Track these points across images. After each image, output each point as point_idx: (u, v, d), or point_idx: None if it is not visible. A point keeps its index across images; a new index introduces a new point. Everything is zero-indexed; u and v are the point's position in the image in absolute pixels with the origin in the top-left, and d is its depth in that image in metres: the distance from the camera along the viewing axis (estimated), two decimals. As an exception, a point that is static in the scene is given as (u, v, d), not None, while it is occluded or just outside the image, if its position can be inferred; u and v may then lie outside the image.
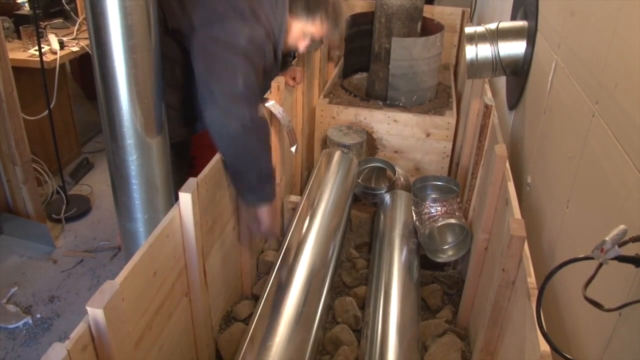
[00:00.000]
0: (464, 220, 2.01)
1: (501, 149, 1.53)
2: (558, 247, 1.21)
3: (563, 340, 1.11)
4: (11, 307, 2.16)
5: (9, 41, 2.78)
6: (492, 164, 1.56)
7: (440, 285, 2.01)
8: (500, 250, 1.35)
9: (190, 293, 1.46)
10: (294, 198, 2.22)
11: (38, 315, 2.15)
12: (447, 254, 2.06)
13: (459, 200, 2.10)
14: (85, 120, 3.74)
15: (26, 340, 2.04)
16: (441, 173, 2.58)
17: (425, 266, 2.08)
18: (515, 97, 1.74)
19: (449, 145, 2.58)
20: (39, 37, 2.45)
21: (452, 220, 1.98)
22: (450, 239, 2.08)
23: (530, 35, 1.63)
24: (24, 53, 2.68)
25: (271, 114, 1.96)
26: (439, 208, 2.03)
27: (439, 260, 2.05)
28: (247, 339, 1.47)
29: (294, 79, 2.23)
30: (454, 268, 2.12)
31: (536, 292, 1.11)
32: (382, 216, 2.23)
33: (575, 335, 1.06)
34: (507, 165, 1.51)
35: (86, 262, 2.47)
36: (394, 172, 2.44)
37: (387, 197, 2.32)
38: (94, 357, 1.00)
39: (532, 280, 1.13)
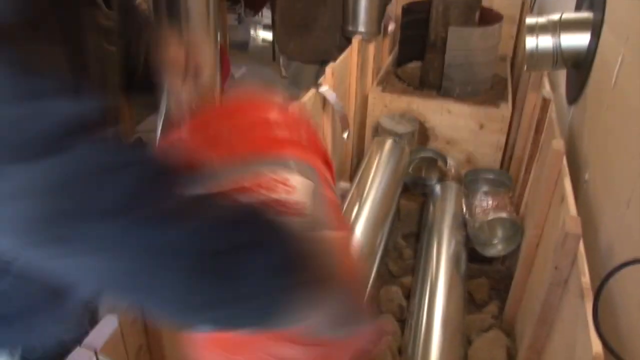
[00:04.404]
0: (515, 215, 1.98)
1: (558, 144, 1.49)
2: (616, 247, 1.18)
3: (617, 343, 1.08)
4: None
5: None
6: (548, 159, 1.53)
7: (487, 280, 1.98)
8: (553, 248, 1.32)
9: None
10: (343, 185, 2.21)
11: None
12: (497, 248, 2.03)
13: (510, 194, 2.06)
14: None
15: None
16: (493, 166, 2.53)
17: (473, 260, 2.05)
18: (576, 91, 1.69)
19: (503, 138, 2.53)
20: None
21: (504, 215, 1.95)
22: (500, 233, 2.05)
23: (595, 27, 1.58)
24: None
25: (324, 99, 1.96)
26: (490, 201, 2.00)
27: (488, 254, 2.02)
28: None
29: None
30: (503, 263, 2.09)
31: (590, 292, 1.08)
32: (431, 207, 2.21)
33: (632, 337, 1.03)
34: (564, 160, 1.47)
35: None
36: (445, 163, 2.41)
37: (438, 188, 2.29)
38: None
39: (586, 279, 1.10)
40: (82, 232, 0.47)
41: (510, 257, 2.05)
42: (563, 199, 1.38)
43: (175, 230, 0.50)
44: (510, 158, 2.48)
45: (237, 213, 0.55)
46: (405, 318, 1.75)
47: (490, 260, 2.08)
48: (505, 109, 2.49)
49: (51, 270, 0.51)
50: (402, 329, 1.71)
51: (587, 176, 1.47)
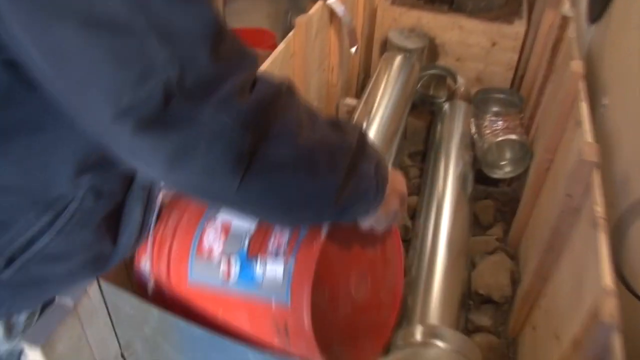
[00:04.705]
0: (525, 137, 1.94)
1: (577, 65, 1.43)
2: (633, 178, 1.14)
3: (629, 276, 1.06)
4: None
5: None
6: (564, 80, 1.47)
7: (493, 202, 1.96)
8: (565, 174, 1.29)
9: None
10: (350, 101, 2.16)
11: None
12: (505, 170, 2.00)
13: (521, 115, 2.01)
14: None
15: None
16: (504, 86, 2.46)
17: (479, 181, 2.03)
18: (599, 8, 1.60)
19: (515, 57, 2.45)
20: None
21: (513, 136, 1.91)
22: (509, 155, 2.01)
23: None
24: None
25: (331, 12, 1.87)
26: (500, 123, 1.95)
27: (495, 175, 2.00)
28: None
29: None
30: (509, 185, 2.06)
31: (603, 222, 1.06)
32: (439, 126, 2.17)
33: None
34: (582, 84, 1.42)
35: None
36: (455, 80, 2.34)
37: (446, 107, 2.24)
38: None
39: (600, 209, 1.08)
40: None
41: (518, 180, 2.03)
42: (579, 123, 1.34)
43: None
44: (522, 78, 2.41)
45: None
46: (410, 238, 1.75)
47: (496, 182, 2.06)
48: (520, 26, 2.39)
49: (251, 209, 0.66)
50: (407, 249, 1.71)
51: (605, 101, 1.41)
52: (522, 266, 1.66)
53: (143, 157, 0.56)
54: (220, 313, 0.82)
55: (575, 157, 1.20)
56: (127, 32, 0.50)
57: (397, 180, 0.83)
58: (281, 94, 0.62)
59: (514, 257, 1.73)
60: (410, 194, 1.96)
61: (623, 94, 1.31)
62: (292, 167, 0.62)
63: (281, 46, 1.58)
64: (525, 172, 1.94)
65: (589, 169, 1.13)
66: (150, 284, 0.87)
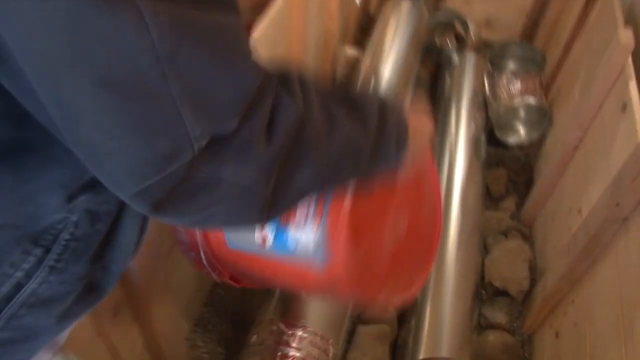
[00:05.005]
0: (544, 99, 1.75)
1: (626, 36, 1.23)
2: None
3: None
4: None
5: None
6: (608, 51, 1.27)
7: (505, 170, 1.79)
8: (610, 174, 1.12)
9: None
10: (350, 51, 1.93)
11: None
12: (520, 134, 1.83)
13: (541, 74, 1.81)
14: None
15: None
16: (516, 30, 2.24)
17: (489, 142, 1.85)
18: None
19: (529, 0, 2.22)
20: None
21: (531, 100, 1.72)
22: (525, 117, 1.83)
23: None
24: None
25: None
26: (519, 84, 1.76)
27: (510, 140, 1.83)
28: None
29: None
30: (521, 149, 1.89)
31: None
32: (448, 79, 1.96)
33: None
34: (630, 59, 1.22)
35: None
36: (465, 27, 2.11)
37: (456, 58, 2.02)
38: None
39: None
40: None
41: (530, 144, 1.85)
42: (625, 107, 1.16)
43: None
44: (536, 24, 2.18)
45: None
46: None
47: (506, 145, 1.88)
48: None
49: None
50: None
51: None
52: (539, 250, 1.52)
53: (166, 220, 0.50)
54: (266, 271, 0.85)
55: (626, 157, 1.03)
56: (157, 101, 0.40)
57: (420, 127, 0.77)
58: (300, 118, 0.52)
59: (528, 237, 1.59)
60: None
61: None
62: (317, 184, 0.60)
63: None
64: (541, 137, 1.77)
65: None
66: (200, 254, 0.88)
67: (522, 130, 1.83)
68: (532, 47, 1.95)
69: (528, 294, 1.43)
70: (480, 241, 1.52)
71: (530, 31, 2.25)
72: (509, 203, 1.70)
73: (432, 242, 0.97)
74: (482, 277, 1.46)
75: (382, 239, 0.86)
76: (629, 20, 1.34)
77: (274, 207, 0.54)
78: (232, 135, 0.46)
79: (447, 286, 1.35)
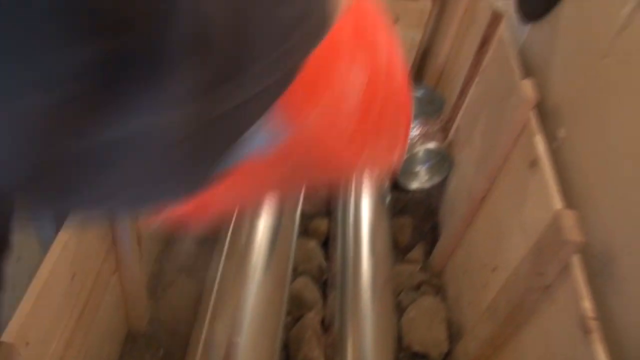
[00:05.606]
0: (444, 144, 1.72)
1: (528, 88, 1.19)
2: (616, 246, 0.91)
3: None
4: None
5: None
6: (509, 105, 1.24)
7: (410, 218, 1.73)
8: (518, 228, 1.07)
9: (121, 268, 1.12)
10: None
11: None
12: (421, 179, 1.78)
13: (441, 119, 1.78)
14: None
15: None
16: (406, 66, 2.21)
17: (393, 188, 1.78)
18: (541, 4, 1.32)
19: (418, 36, 2.19)
20: None
21: (432, 146, 1.69)
22: (425, 162, 1.78)
23: None
24: None
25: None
26: (418, 129, 1.71)
27: (412, 185, 1.78)
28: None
29: None
30: (423, 192, 1.84)
31: (594, 324, 0.86)
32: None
33: None
34: (534, 111, 1.18)
35: None
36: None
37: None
38: None
39: (588, 305, 0.87)
40: None
41: (433, 187, 1.81)
42: (535, 163, 1.12)
43: None
44: (424, 59, 2.16)
45: None
46: (326, 278, 1.49)
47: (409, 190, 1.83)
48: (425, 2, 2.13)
49: None
50: (324, 292, 1.46)
51: (562, 132, 1.16)
52: (453, 304, 1.46)
53: None
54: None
55: (544, 227, 0.98)
56: None
57: None
58: None
59: (440, 288, 1.53)
60: (317, 215, 1.69)
61: (593, 129, 1.06)
62: None
63: None
64: (443, 180, 1.73)
65: (569, 249, 0.92)
66: None
67: (424, 175, 1.78)
68: (430, 89, 1.93)
69: (448, 355, 1.37)
70: (394, 300, 1.44)
71: (417, 65, 2.24)
72: (417, 253, 1.64)
73: (405, 97, 0.88)
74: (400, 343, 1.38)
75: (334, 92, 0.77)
76: (525, 64, 1.31)
77: None
78: None
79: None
